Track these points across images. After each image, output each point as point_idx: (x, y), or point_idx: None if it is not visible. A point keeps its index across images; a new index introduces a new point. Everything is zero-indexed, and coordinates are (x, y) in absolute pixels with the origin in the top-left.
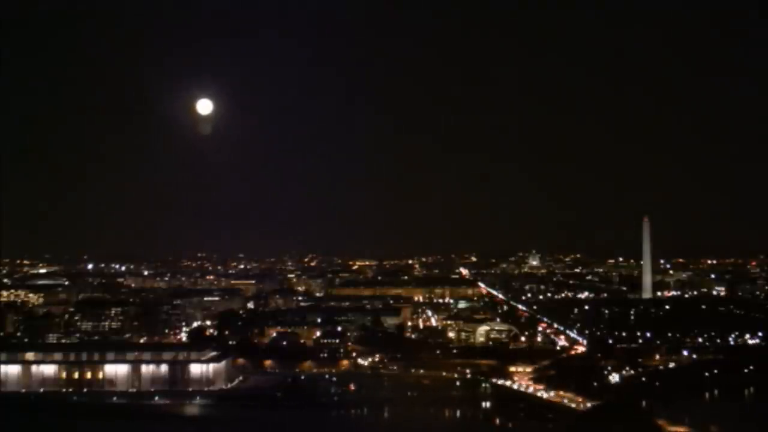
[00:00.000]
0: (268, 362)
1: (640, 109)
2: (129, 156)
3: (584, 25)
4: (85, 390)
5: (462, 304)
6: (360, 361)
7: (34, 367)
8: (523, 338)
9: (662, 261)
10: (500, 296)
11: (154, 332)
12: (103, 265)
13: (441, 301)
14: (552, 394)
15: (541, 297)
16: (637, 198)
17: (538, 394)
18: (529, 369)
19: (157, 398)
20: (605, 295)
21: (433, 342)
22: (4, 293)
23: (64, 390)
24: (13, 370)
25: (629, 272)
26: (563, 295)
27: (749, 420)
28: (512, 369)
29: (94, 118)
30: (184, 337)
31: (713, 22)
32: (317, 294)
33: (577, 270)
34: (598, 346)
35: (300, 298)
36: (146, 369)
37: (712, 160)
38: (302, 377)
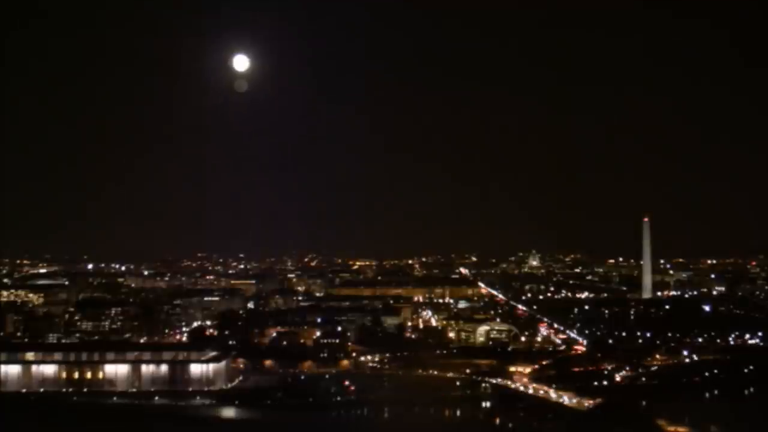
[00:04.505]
0: (268, 362)
1: (641, 108)
2: (128, 156)
3: (584, 25)
4: (85, 390)
5: (462, 304)
6: (360, 361)
7: (34, 367)
8: (523, 338)
9: (662, 261)
10: (500, 296)
11: (154, 332)
12: (103, 265)
13: (441, 301)
14: (552, 394)
15: (541, 297)
16: (637, 198)
17: (538, 394)
18: (529, 369)
19: (157, 398)
20: (605, 295)
21: (433, 342)
22: (4, 293)
23: (64, 390)
24: (13, 370)
25: (629, 272)
26: (563, 295)
27: (749, 420)
28: (512, 369)
29: (92, 118)
30: (184, 337)
31: (713, 22)
32: (317, 294)
33: (577, 270)
34: (598, 346)
35: (300, 298)
36: (146, 369)
37: (713, 160)
38: (302, 377)
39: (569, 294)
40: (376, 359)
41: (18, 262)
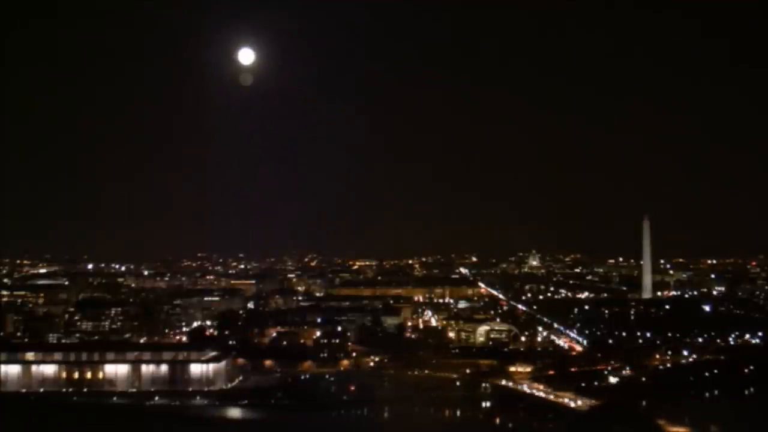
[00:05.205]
0: (268, 362)
1: (640, 109)
2: (128, 156)
3: (583, 24)
4: (85, 390)
5: (462, 304)
6: (360, 361)
7: (34, 367)
8: (523, 338)
9: (662, 261)
10: (500, 296)
11: (154, 332)
12: (103, 265)
13: (441, 301)
14: (552, 394)
15: (541, 297)
16: (637, 198)
17: (538, 394)
18: (529, 369)
19: (157, 398)
20: (605, 295)
21: (433, 342)
22: (4, 293)
23: (64, 390)
24: (13, 370)
25: (629, 272)
26: (563, 295)
27: (749, 420)
28: (512, 369)
29: (91, 117)
30: (184, 337)
31: (713, 22)
32: (317, 294)
33: (577, 270)
34: (598, 346)
35: (300, 298)
36: (146, 369)
37: (712, 161)
38: (302, 377)
39: (569, 294)
40: (376, 359)
41: (18, 262)
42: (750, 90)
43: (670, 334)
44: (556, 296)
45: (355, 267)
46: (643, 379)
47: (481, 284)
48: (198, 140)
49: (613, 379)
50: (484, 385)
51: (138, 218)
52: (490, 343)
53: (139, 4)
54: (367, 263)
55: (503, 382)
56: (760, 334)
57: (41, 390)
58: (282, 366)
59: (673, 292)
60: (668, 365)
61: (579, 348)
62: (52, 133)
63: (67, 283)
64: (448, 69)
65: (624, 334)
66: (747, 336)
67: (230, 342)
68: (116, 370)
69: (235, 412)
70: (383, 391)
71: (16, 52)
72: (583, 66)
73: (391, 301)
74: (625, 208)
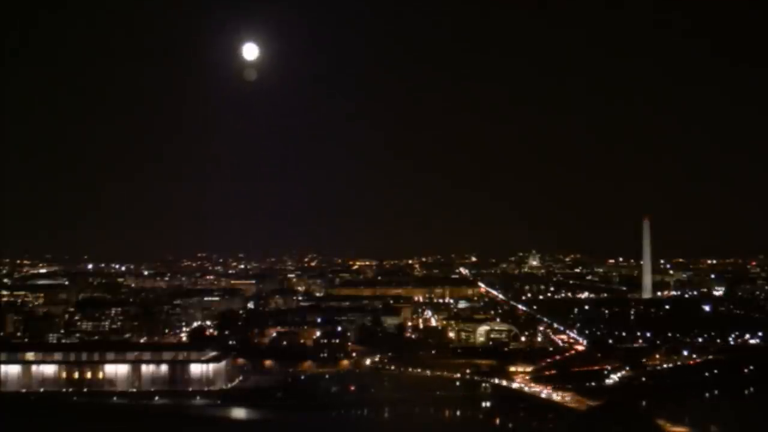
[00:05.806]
0: (268, 362)
1: (640, 109)
2: (128, 156)
3: (583, 25)
4: (85, 390)
5: (462, 304)
6: (360, 361)
7: (34, 367)
8: (523, 338)
9: (662, 261)
10: (500, 296)
11: (154, 332)
12: (103, 265)
13: (441, 301)
14: (552, 394)
15: (541, 297)
16: (637, 198)
17: (538, 394)
18: (529, 369)
19: (157, 398)
20: (605, 295)
21: (433, 342)
22: (4, 293)
23: (64, 390)
24: (13, 370)
25: (629, 272)
26: (563, 295)
27: (749, 420)
28: (512, 369)
29: (92, 117)
30: (184, 337)
31: (712, 22)
32: (317, 294)
33: (577, 270)
34: (598, 346)
35: (300, 298)
36: (146, 369)
37: (712, 161)
38: (302, 377)
39: (569, 294)
40: (376, 359)
41: (18, 262)
42: (750, 90)
43: (670, 334)
44: (556, 296)
45: (355, 267)
46: (643, 379)
47: (481, 284)
48: (198, 140)
49: (613, 379)
50: (484, 385)
51: (138, 218)
52: (490, 343)
53: (140, 1)
54: (367, 263)
55: (503, 382)
56: (760, 334)
57: (41, 390)
58: (282, 366)
59: (673, 292)
60: (668, 365)
61: (579, 348)
62: (52, 133)
63: (67, 283)
64: (448, 68)
65: (624, 334)
66: (747, 336)
67: (230, 342)
68: (116, 370)
69: (235, 412)
70: (383, 391)
71: (16, 52)
72: (583, 66)
73: (391, 301)
74: (625, 208)
